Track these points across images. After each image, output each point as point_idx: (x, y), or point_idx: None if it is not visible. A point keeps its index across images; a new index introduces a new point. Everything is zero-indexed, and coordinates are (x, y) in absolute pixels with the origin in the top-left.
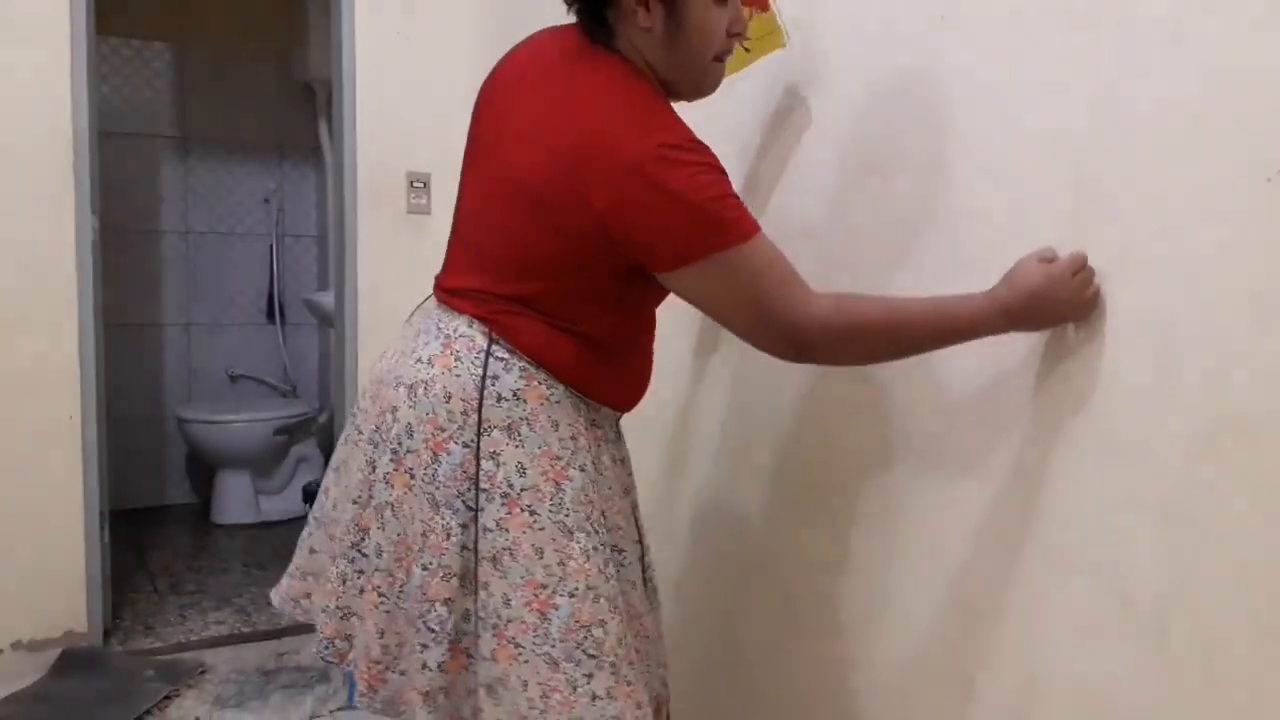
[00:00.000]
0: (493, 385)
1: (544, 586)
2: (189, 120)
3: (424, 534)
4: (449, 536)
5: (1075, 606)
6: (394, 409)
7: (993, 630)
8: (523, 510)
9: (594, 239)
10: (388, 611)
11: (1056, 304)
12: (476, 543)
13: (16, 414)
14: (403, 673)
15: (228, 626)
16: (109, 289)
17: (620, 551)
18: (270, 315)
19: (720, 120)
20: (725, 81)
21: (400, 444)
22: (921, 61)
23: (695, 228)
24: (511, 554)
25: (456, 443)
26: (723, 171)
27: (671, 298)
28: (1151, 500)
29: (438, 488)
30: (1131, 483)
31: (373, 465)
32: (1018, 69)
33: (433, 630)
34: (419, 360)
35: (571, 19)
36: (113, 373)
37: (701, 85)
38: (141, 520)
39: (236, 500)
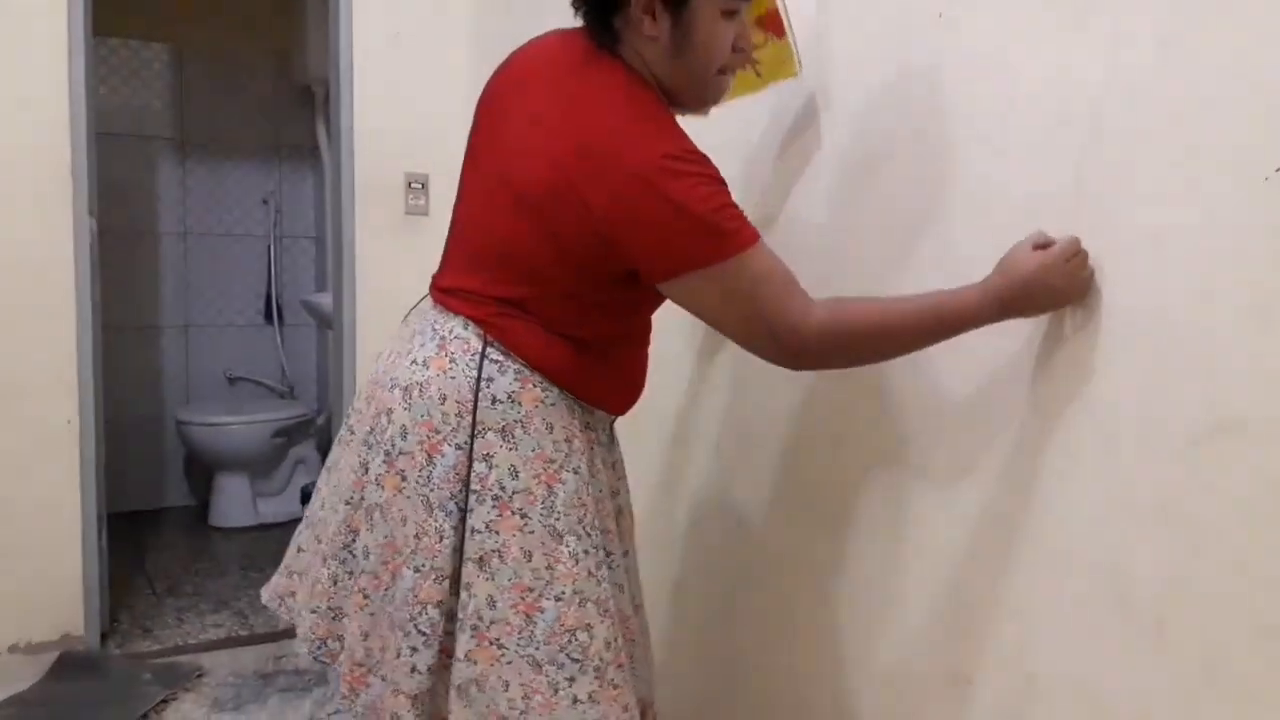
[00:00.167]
0: (487, 387)
1: (531, 590)
2: (187, 122)
3: (416, 536)
4: (442, 539)
5: (1073, 606)
6: (389, 411)
7: (991, 630)
8: (514, 513)
9: (592, 246)
10: (371, 614)
11: (1051, 290)
12: (463, 543)
13: (14, 416)
14: (384, 678)
15: (225, 629)
16: (107, 290)
17: (609, 554)
18: (268, 317)
19: (724, 121)
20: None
21: (394, 446)
22: (921, 60)
23: (695, 237)
24: (500, 556)
25: (450, 444)
26: (723, 182)
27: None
28: (1149, 500)
29: (432, 490)
30: (1129, 482)
31: (365, 467)
32: (1016, 67)
33: (424, 633)
34: (414, 362)
35: (578, 23)
36: (110, 375)
37: (704, 98)
38: (139, 523)
39: (235, 503)
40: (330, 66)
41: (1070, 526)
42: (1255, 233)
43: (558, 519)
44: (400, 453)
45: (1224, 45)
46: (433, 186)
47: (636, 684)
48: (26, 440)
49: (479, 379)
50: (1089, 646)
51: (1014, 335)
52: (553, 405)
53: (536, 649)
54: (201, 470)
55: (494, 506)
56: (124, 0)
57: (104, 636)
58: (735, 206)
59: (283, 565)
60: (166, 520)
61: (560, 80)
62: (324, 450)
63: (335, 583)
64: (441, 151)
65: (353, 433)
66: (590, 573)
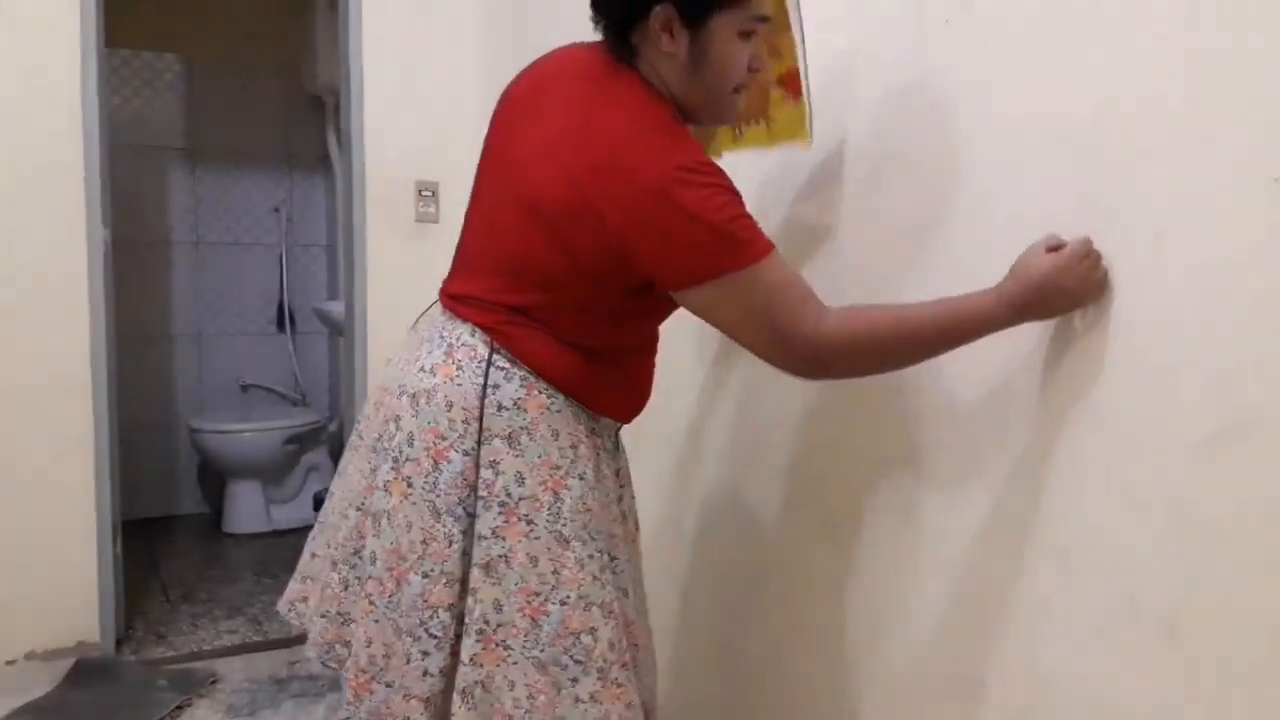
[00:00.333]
0: (494, 394)
1: (537, 594)
2: (198, 132)
3: (424, 542)
4: (450, 544)
5: (1083, 607)
6: (397, 418)
7: (1000, 631)
8: (520, 519)
9: (607, 257)
10: (376, 621)
11: (1064, 292)
12: (471, 549)
13: (29, 425)
14: (388, 684)
15: (239, 636)
16: (120, 300)
17: (614, 559)
18: (280, 324)
19: None
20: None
21: (401, 453)
22: (926, 64)
23: (711, 247)
24: (507, 561)
25: (457, 451)
26: (736, 193)
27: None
28: (1159, 500)
29: (439, 495)
30: (1138, 483)
31: (374, 472)
32: (1021, 71)
33: (435, 637)
34: (422, 369)
35: (596, 35)
36: (124, 383)
37: (719, 115)
38: (153, 530)
39: (248, 509)
40: (340, 75)
41: (1080, 528)
42: (1262, 235)
43: (564, 525)
44: (407, 459)
45: (1230, 47)
46: (443, 194)
47: (641, 688)
48: (41, 448)
49: (485, 386)
50: (1098, 647)
51: (1024, 336)
52: (558, 412)
53: (541, 651)
54: (214, 477)
55: (500, 513)
56: (135, 12)
57: (119, 643)
58: (749, 217)
59: (297, 571)
60: (180, 527)
61: (578, 93)
62: (336, 457)
63: (346, 587)
64: (451, 159)
65: (361, 438)
66: (595, 576)
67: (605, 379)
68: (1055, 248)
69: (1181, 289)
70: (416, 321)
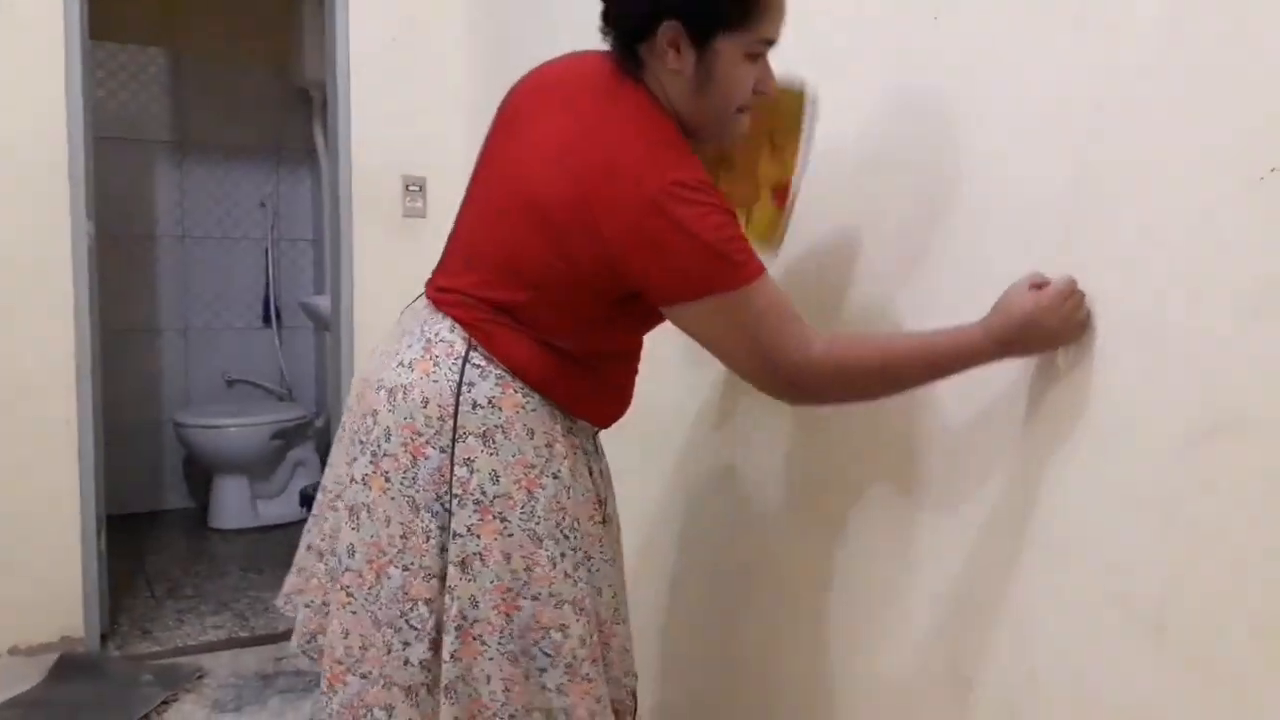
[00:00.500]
0: (468, 392)
1: (510, 589)
2: (184, 125)
3: (404, 536)
4: (428, 539)
5: (1073, 604)
6: (374, 412)
7: (991, 630)
8: (494, 517)
9: (598, 264)
10: (354, 612)
11: (1047, 330)
12: (448, 544)
13: (13, 419)
14: (364, 676)
15: (226, 631)
16: (105, 293)
17: (590, 558)
18: (267, 319)
19: None
20: None
21: (379, 447)
22: (916, 61)
23: (704, 266)
24: (482, 559)
25: (433, 448)
26: (733, 214)
27: None
28: (1148, 497)
29: (417, 491)
30: (1128, 480)
31: (351, 464)
32: (1011, 68)
33: (415, 628)
34: (400, 364)
35: (596, 41)
36: (109, 377)
37: (721, 134)
38: (139, 525)
39: (234, 504)
40: (327, 70)
41: (1070, 526)
42: (1252, 232)
43: (537, 523)
44: (385, 454)
45: (1220, 45)
46: (430, 189)
47: (612, 687)
48: (26, 443)
49: (460, 383)
50: (1088, 643)
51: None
52: (533, 411)
53: (513, 643)
54: (200, 472)
55: (475, 510)
56: (121, 4)
57: (104, 638)
58: (744, 239)
59: (293, 564)
60: (165, 522)
61: (585, 101)
62: (323, 452)
63: (332, 578)
64: (439, 154)
65: (344, 429)
66: (567, 574)
67: (584, 384)
68: (1039, 285)
69: (1171, 286)
70: (401, 314)
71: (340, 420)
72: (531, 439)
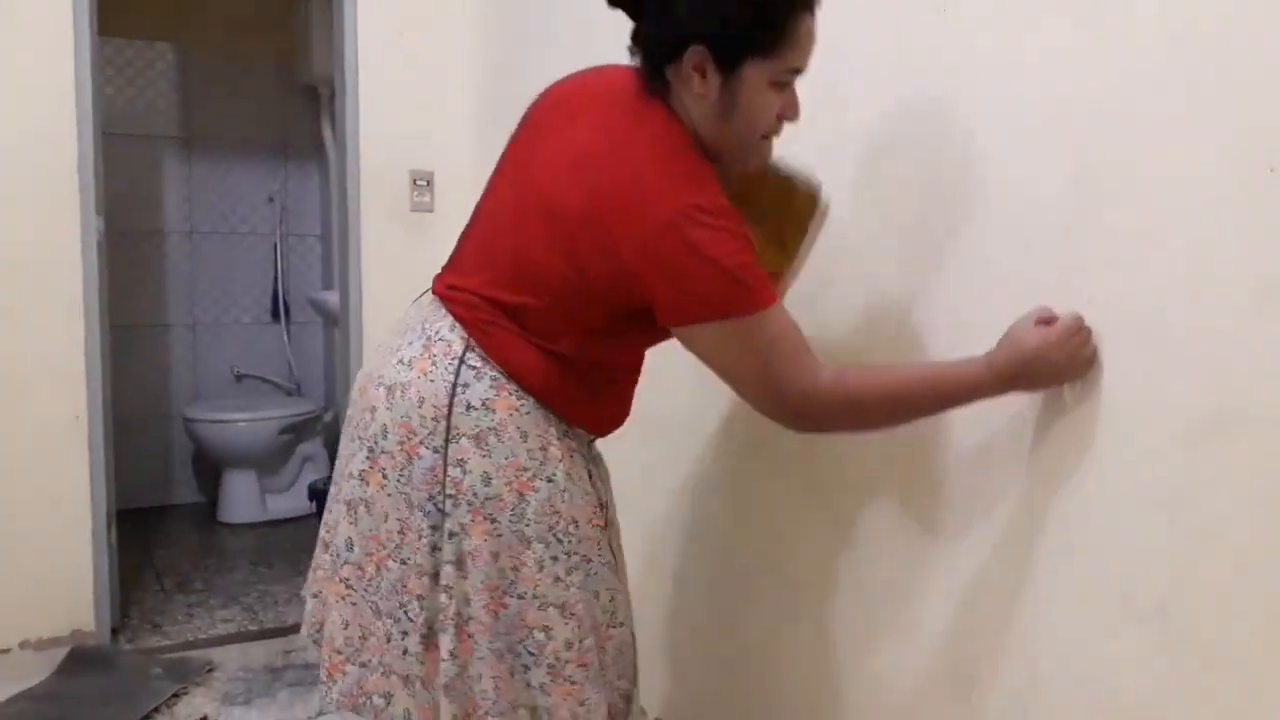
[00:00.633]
0: (463, 393)
1: (497, 588)
2: (192, 120)
3: (400, 531)
4: (420, 537)
5: (1078, 600)
6: (373, 409)
7: (996, 626)
8: (485, 519)
9: (610, 281)
10: (353, 604)
11: (1053, 366)
12: (442, 545)
13: (23, 414)
14: (363, 664)
15: (235, 624)
16: (114, 289)
17: (589, 560)
18: (275, 314)
19: None
20: None
21: (376, 444)
22: (917, 60)
23: (719, 290)
24: (473, 559)
25: (428, 447)
26: (749, 240)
27: None
28: (1152, 493)
29: (412, 489)
30: (1132, 476)
31: (350, 459)
32: (1016, 60)
33: (411, 620)
34: (400, 361)
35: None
36: (118, 373)
37: (745, 159)
38: (148, 520)
39: (243, 499)
40: (335, 65)
41: (1075, 522)
42: (1257, 226)
43: (527, 525)
44: (382, 451)
45: (1228, 37)
46: (438, 183)
47: (607, 689)
48: (35, 438)
49: (455, 384)
50: (1093, 639)
51: None
52: (528, 414)
53: (499, 641)
54: (209, 467)
55: (468, 510)
56: (128, 1)
57: (114, 632)
58: (758, 266)
59: (313, 560)
60: (174, 517)
61: (611, 116)
62: (331, 447)
63: (331, 571)
64: (447, 148)
65: (347, 423)
66: (558, 578)
67: (583, 392)
68: (1047, 321)
69: (1174, 281)
70: (407, 309)
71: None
72: (525, 441)
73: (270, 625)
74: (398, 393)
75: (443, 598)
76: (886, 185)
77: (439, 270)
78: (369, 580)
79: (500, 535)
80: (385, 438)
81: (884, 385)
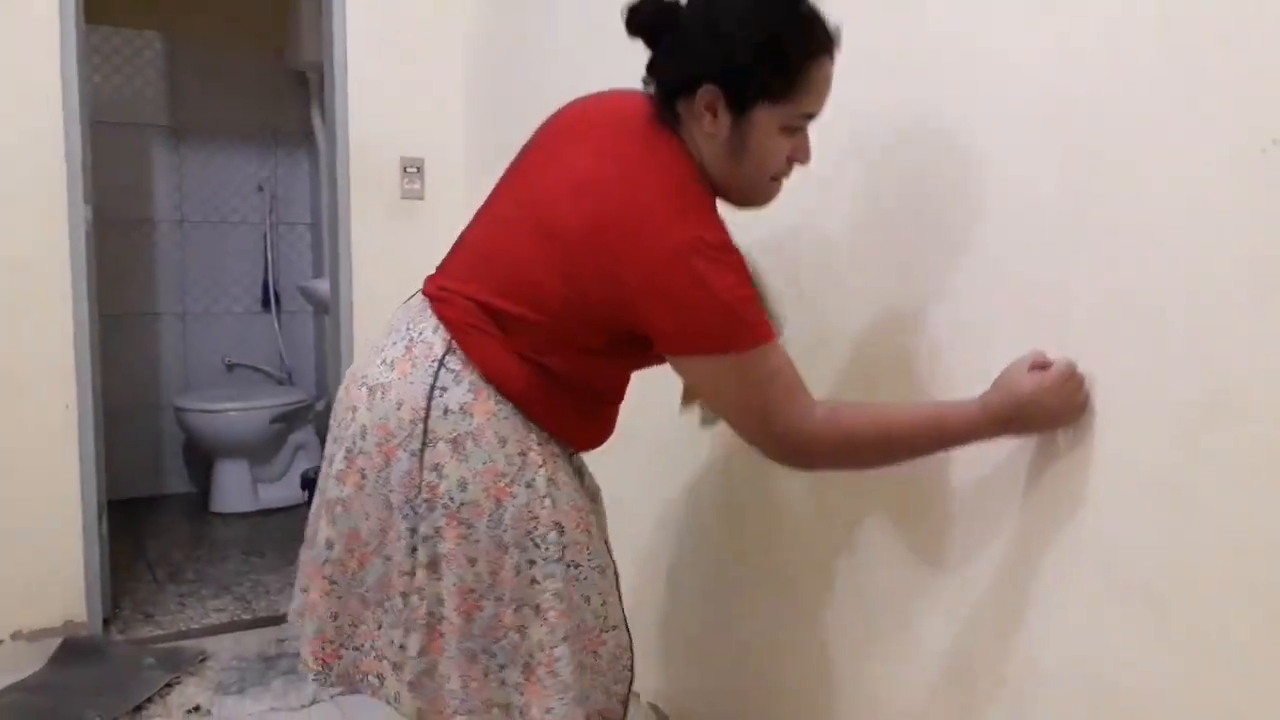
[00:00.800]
0: (440, 397)
1: (473, 591)
2: (181, 109)
3: (382, 530)
4: (400, 538)
5: (1076, 591)
6: (354, 409)
7: (996, 622)
8: (460, 524)
9: (609, 307)
10: (339, 597)
11: (1047, 411)
12: (418, 547)
13: (12, 405)
14: (357, 648)
15: (228, 614)
16: (103, 279)
17: (576, 566)
18: (265, 303)
19: None
20: None
21: (354, 444)
22: (916, 60)
23: (718, 323)
24: (447, 562)
25: (405, 451)
26: (750, 277)
27: None
28: (1150, 483)
29: (391, 491)
30: (1130, 466)
31: (330, 459)
32: (1011, 68)
33: (397, 612)
34: (383, 362)
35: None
36: (108, 362)
37: (752, 199)
38: (140, 510)
39: (234, 488)
40: (324, 51)
41: (1071, 512)
42: (1252, 208)
43: (504, 531)
44: (360, 452)
45: (1221, 44)
46: (428, 170)
47: (594, 695)
48: (25, 428)
49: (433, 387)
50: (1092, 630)
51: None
52: (506, 419)
53: (473, 642)
54: (201, 457)
55: (443, 514)
56: None
57: (106, 622)
58: (758, 303)
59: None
60: (166, 507)
61: (622, 143)
62: (323, 435)
63: (314, 566)
64: (436, 135)
65: (332, 421)
66: (534, 581)
67: (567, 407)
68: (1041, 366)
69: (1170, 266)
70: (397, 309)
71: None
72: (504, 447)
73: (263, 614)
74: (378, 394)
75: (414, 599)
76: (886, 185)
77: (431, 271)
78: (352, 575)
79: (478, 541)
80: (364, 439)
81: (876, 425)
